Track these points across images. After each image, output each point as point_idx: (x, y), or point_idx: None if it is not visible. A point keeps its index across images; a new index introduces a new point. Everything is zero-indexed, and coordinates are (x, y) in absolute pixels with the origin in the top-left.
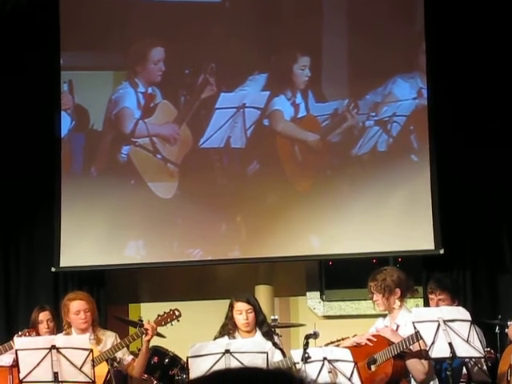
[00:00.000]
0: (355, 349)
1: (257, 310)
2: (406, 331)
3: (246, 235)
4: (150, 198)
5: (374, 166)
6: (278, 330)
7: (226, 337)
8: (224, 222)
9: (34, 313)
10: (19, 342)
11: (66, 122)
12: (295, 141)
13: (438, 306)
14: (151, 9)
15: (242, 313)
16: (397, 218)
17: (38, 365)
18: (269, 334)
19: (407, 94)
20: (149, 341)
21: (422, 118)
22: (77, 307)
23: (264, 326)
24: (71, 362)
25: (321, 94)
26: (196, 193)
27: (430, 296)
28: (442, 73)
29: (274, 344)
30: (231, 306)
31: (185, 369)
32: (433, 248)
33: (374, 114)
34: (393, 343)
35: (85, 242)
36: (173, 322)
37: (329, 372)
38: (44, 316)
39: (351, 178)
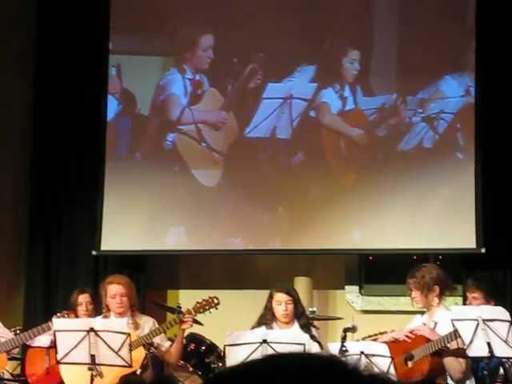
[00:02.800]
0: (393, 344)
1: (296, 301)
2: (444, 329)
3: (287, 226)
4: (194, 186)
5: (418, 163)
6: (315, 323)
7: (264, 327)
8: (266, 212)
9: (74, 295)
10: (58, 323)
11: (113, 106)
12: (341, 134)
13: (471, 304)
14: None
15: (282, 304)
16: (439, 216)
17: (75, 347)
18: (307, 327)
19: (455, 91)
20: (185, 329)
21: (468, 116)
22: (114, 291)
23: (302, 318)
24: (108, 346)
25: (369, 88)
26: (239, 182)
27: (467, 294)
28: (490, 72)
29: (312, 336)
30: (271, 297)
31: (221, 357)
32: (474, 247)
33: (421, 111)
34: (431, 341)
35: (126, 226)
36: (211, 310)
37: (365, 367)
38: (83, 298)
39: (395, 174)
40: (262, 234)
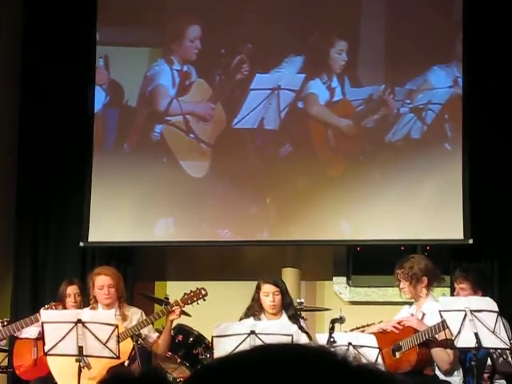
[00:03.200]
0: (380, 335)
1: (284, 292)
2: (432, 320)
3: (275, 217)
4: (182, 177)
5: (406, 153)
6: (303, 314)
7: (252, 318)
8: (254, 203)
9: (62, 286)
10: (45, 314)
11: (100, 97)
12: (329, 125)
13: (458, 294)
14: None
15: (269, 295)
16: (427, 207)
17: (63, 338)
18: (294, 318)
19: (443, 82)
20: (173, 320)
21: (456, 107)
22: (101, 282)
23: (290, 309)
24: (96, 337)
25: (356, 79)
26: (227, 173)
27: (454, 284)
28: (478, 63)
29: (300, 327)
30: (258, 288)
31: (209, 348)
32: (462, 238)
33: (409, 101)
34: (418, 332)
35: (114, 217)
36: (199, 301)
37: (353, 357)
38: (72, 290)
39: (383, 165)
40: (250, 225)
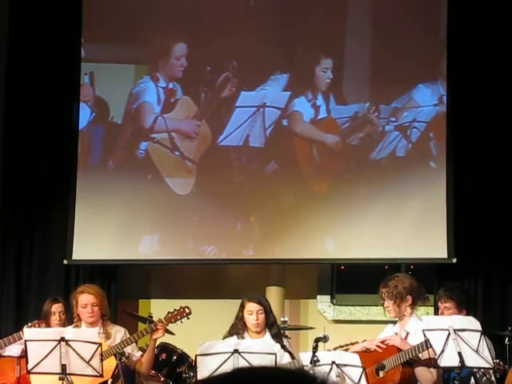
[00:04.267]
0: (364, 354)
1: (267, 311)
2: (416, 339)
3: (259, 235)
4: (167, 194)
5: (391, 171)
6: (287, 332)
7: (235, 336)
8: (239, 220)
9: (47, 304)
10: (28, 332)
11: (85, 114)
12: (313, 142)
13: (443, 314)
14: (175, 3)
15: (253, 313)
16: (411, 225)
17: (46, 356)
18: (278, 337)
19: (428, 100)
20: (157, 338)
21: (442, 125)
22: (84, 300)
23: (274, 328)
24: (80, 355)
25: (342, 97)
26: (213, 190)
27: (438, 303)
28: (462, 80)
29: (283, 347)
30: (242, 306)
31: (193, 367)
32: (446, 257)
33: (394, 119)
34: (402, 351)
35: (99, 235)
36: (182, 320)
37: (337, 376)
38: (57, 308)
39: (369, 182)
40: (236, 242)
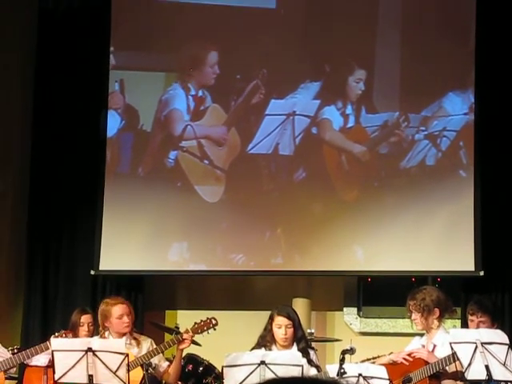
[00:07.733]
0: (391, 367)
1: (296, 325)
2: (443, 351)
3: (287, 246)
4: (196, 202)
5: (421, 180)
6: (313, 344)
7: (263, 348)
8: (268, 229)
9: (75, 315)
10: (56, 342)
11: (115, 121)
12: (342, 151)
13: (478, 327)
14: (204, 12)
15: (282, 327)
16: (439, 237)
17: (73, 366)
18: (305, 351)
19: (458, 109)
20: (183, 349)
21: (472, 134)
22: (120, 311)
23: (302, 342)
24: (106, 366)
25: (371, 106)
26: (242, 198)
27: (471, 318)
28: (491, 89)
29: (310, 361)
30: (271, 319)
31: (219, 378)
32: (473, 269)
33: (423, 128)
34: (429, 363)
35: (126, 244)
36: (209, 331)
37: None
38: (86, 319)
39: (398, 191)
40: (265, 251)
